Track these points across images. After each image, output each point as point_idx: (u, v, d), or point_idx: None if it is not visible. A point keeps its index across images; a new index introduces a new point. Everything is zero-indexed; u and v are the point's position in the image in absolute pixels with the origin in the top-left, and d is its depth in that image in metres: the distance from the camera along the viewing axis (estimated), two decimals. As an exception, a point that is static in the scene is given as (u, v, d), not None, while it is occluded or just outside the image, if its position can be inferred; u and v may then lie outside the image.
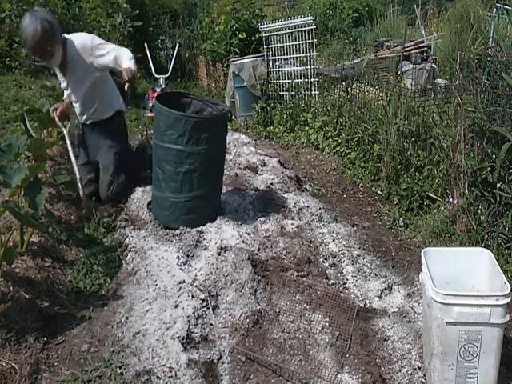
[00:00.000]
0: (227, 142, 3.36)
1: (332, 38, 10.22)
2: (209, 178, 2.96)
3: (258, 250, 2.86)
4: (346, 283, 2.76)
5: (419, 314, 2.49)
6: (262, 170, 4.11)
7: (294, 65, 6.42)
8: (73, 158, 3.30)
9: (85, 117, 3.50)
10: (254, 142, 5.35)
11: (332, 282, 2.74)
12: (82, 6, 7.76)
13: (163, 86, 5.88)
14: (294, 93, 6.25)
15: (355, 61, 6.58)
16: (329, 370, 2.14)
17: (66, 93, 3.57)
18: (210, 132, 2.84)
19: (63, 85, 3.50)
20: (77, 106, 3.50)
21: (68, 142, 3.37)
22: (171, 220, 2.95)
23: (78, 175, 3.25)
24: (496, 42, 3.26)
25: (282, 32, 6.37)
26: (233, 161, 4.35)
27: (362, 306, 2.58)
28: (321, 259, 2.90)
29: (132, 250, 2.84)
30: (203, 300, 2.37)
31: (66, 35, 3.26)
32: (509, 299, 1.88)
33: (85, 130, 3.59)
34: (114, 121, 3.49)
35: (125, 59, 3.17)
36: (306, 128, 5.56)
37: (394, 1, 11.67)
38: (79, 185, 3.24)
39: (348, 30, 12.05)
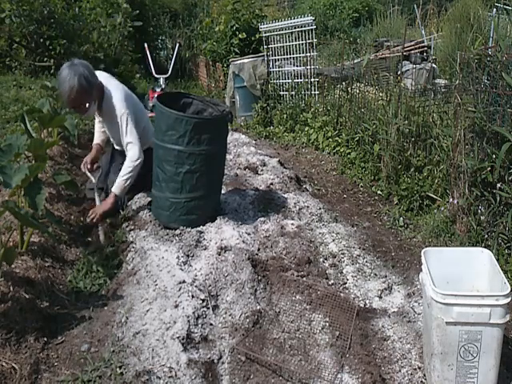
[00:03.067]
0: (227, 142, 3.35)
1: (332, 38, 10.22)
2: (209, 179, 2.96)
3: (258, 249, 2.86)
4: (345, 283, 2.76)
5: (419, 314, 2.49)
6: (261, 170, 4.11)
7: (294, 65, 6.43)
8: (97, 199, 3.22)
9: (117, 147, 3.51)
10: (253, 142, 5.35)
11: (332, 282, 2.74)
12: (81, 6, 7.76)
13: (163, 86, 5.89)
14: (294, 93, 6.25)
15: (355, 61, 6.57)
16: (329, 369, 2.14)
17: (97, 129, 3.57)
18: (210, 133, 2.84)
19: (98, 120, 3.52)
20: (110, 138, 3.51)
21: (96, 194, 3.26)
22: (171, 220, 2.95)
23: (94, 180, 3.24)
24: (496, 42, 3.26)
25: (282, 32, 6.38)
26: (233, 161, 4.35)
27: (362, 306, 2.58)
28: (321, 259, 2.90)
29: (132, 249, 2.84)
30: (203, 300, 2.37)
31: (103, 83, 3.18)
32: (509, 299, 1.88)
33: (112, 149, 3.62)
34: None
35: (122, 169, 3.14)
36: (306, 128, 5.56)
37: (394, 1, 11.67)
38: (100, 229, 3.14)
39: (348, 30, 12.06)
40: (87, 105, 3.09)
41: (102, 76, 3.26)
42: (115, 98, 3.15)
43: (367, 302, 2.63)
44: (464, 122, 3.23)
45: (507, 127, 2.86)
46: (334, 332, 2.33)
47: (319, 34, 9.94)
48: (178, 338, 2.12)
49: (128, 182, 3.14)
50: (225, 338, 2.26)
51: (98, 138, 3.61)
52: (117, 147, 3.50)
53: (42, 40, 6.77)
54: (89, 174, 3.40)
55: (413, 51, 7.62)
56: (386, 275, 2.83)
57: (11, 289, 2.23)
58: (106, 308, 2.41)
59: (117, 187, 3.14)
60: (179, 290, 2.38)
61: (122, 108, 3.14)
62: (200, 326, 2.26)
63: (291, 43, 6.30)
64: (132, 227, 3.13)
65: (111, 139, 3.51)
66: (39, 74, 6.74)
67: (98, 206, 3.17)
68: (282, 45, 6.42)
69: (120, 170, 3.26)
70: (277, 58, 6.52)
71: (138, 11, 8.32)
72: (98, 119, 3.52)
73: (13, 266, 2.37)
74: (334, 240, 3.07)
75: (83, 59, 3.28)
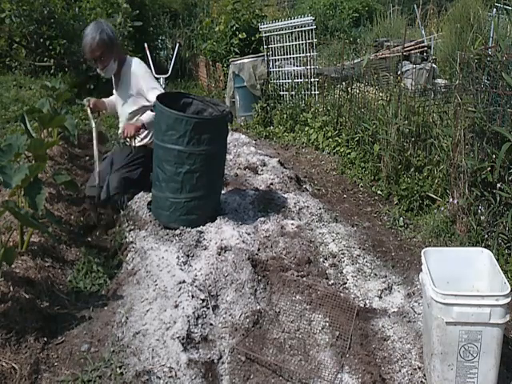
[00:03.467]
0: (227, 142, 3.35)
1: (332, 38, 10.21)
2: (209, 179, 2.96)
3: (258, 249, 2.86)
4: (346, 283, 2.76)
5: (419, 314, 2.49)
6: (261, 170, 4.11)
7: (294, 65, 6.42)
8: (96, 153, 3.32)
9: (120, 126, 3.60)
10: (253, 142, 5.35)
11: (332, 281, 2.74)
12: (81, 6, 7.75)
13: (163, 86, 5.87)
14: (294, 93, 6.25)
15: (355, 61, 6.57)
16: (329, 369, 2.14)
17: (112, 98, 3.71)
18: (210, 133, 2.84)
19: (114, 95, 3.65)
20: (120, 121, 3.63)
21: (94, 135, 3.42)
22: (171, 220, 2.95)
23: (97, 169, 3.29)
24: (496, 42, 3.26)
25: (282, 32, 6.37)
26: (233, 161, 4.35)
27: (362, 306, 2.58)
28: (321, 259, 2.90)
29: (132, 250, 2.84)
30: (203, 300, 2.37)
31: (127, 57, 3.47)
32: (509, 299, 1.88)
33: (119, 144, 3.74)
34: (141, 149, 3.47)
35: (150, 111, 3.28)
36: (306, 128, 5.56)
37: (394, 1, 11.67)
38: (96, 177, 3.28)
39: (348, 30, 12.05)
40: (107, 60, 3.29)
41: (141, 65, 3.46)
42: (137, 64, 3.39)
43: (367, 301, 2.63)
44: (464, 121, 3.23)
45: (507, 127, 2.86)
46: (333, 332, 2.33)
47: (319, 34, 9.94)
48: (178, 338, 2.12)
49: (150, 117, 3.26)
50: (225, 338, 2.26)
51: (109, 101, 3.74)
52: (120, 127, 3.56)
53: (42, 40, 6.78)
54: (90, 115, 3.50)
55: (413, 51, 7.62)
56: (386, 275, 2.83)
57: (11, 289, 2.24)
58: (105, 308, 2.41)
59: (146, 117, 3.30)
60: (179, 290, 2.38)
61: (143, 72, 3.38)
62: (200, 326, 2.26)
63: (291, 43, 6.30)
64: (132, 227, 3.13)
65: (120, 114, 3.60)
66: (39, 73, 6.75)
67: (127, 125, 3.31)
68: (282, 45, 6.42)
69: (119, 167, 3.37)
70: (277, 58, 6.52)
71: (137, 11, 8.31)
72: (114, 95, 3.64)
73: (13, 266, 2.37)
74: (333, 240, 3.07)
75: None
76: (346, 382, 2.09)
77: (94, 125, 3.45)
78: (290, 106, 6.10)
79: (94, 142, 3.39)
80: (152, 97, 3.22)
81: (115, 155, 3.55)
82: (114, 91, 3.61)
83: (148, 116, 3.30)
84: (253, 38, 7.59)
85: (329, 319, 2.40)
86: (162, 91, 3.34)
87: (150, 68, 6.34)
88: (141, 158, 3.44)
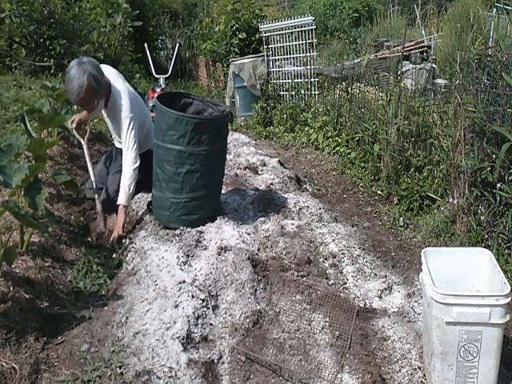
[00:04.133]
0: (227, 142, 3.35)
1: (332, 38, 10.22)
2: (209, 179, 2.96)
3: (258, 249, 2.86)
4: (346, 283, 2.76)
5: (419, 314, 2.49)
6: (261, 170, 4.11)
7: (294, 65, 6.43)
8: (90, 170, 3.29)
9: (117, 144, 3.54)
10: (253, 142, 5.35)
11: (332, 281, 2.74)
12: (81, 6, 7.75)
13: (163, 86, 5.87)
14: (293, 93, 6.25)
15: (355, 61, 6.58)
16: (329, 369, 2.14)
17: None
18: (211, 133, 2.84)
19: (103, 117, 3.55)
20: (112, 133, 3.56)
21: (86, 152, 3.40)
22: (171, 220, 2.95)
23: (94, 185, 3.26)
24: (496, 42, 3.27)
25: (282, 32, 6.37)
26: (233, 161, 4.35)
27: (362, 306, 2.58)
28: (321, 259, 2.90)
29: (132, 250, 2.84)
30: (203, 300, 2.37)
31: (111, 81, 3.18)
32: (509, 299, 1.88)
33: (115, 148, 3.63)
34: (144, 154, 3.36)
35: (123, 177, 3.14)
36: (306, 128, 5.56)
37: (394, 1, 11.67)
38: (96, 197, 3.24)
39: (348, 30, 12.05)
40: (94, 104, 3.10)
41: (112, 73, 3.26)
42: (122, 100, 3.16)
43: (367, 301, 2.63)
44: (464, 121, 3.23)
45: (507, 127, 2.86)
46: (334, 332, 2.33)
47: (319, 34, 9.94)
48: (177, 338, 2.12)
49: (131, 188, 3.13)
50: (225, 338, 2.26)
51: None
52: (117, 144, 3.51)
53: (42, 40, 6.77)
54: (77, 136, 3.47)
55: (413, 51, 7.63)
56: (386, 275, 2.83)
57: (11, 289, 2.23)
58: (105, 308, 2.41)
59: (122, 197, 3.12)
60: (179, 290, 2.38)
61: (126, 111, 3.13)
62: (200, 326, 2.26)
63: (291, 43, 6.30)
64: (132, 227, 3.13)
65: (113, 134, 3.53)
66: (39, 73, 6.74)
67: (113, 225, 3.16)
68: (282, 45, 6.42)
69: (118, 170, 3.28)
70: (277, 57, 6.52)
71: (137, 11, 8.31)
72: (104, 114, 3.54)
73: (13, 266, 2.37)
74: (333, 240, 3.07)
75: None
76: (346, 382, 2.09)
77: (83, 142, 3.44)
78: (290, 105, 6.10)
79: (87, 159, 3.38)
80: (125, 140, 3.12)
81: (113, 161, 3.52)
82: (103, 112, 3.44)
83: (123, 194, 3.12)
84: (253, 38, 7.59)
85: (329, 319, 2.40)
86: (134, 152, 3.14)
87: (149, 68, 6.37)
88: (143, 161, 3.43)
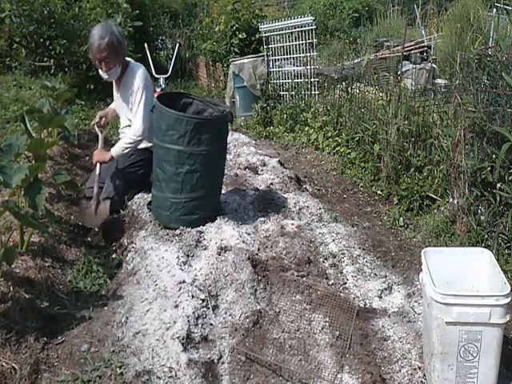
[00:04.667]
0: (227, 142, 3.35)
1: (332, 38, 10.21)
2: (209, 179, 2.96)
3: (258, 249, 2.86)
4: (346, 283, 2.76)
5: (419, 314, 2.49)
6: (261, 170, 4.11)
7: (294, 65, 6.42)
8: (97, 171, 3.30)
9: (123, 125, 3.60)
10: (253, 142, 5.34)
11: (332, 282, 2.74)
12: (81, 6, 7.75)
13: (163, 86, 5.87)
14: (294, 93, 6.24)
15: (355, 61, 6.58)
16: (329, 369, 2.14)
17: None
18: (211, 133, 2.84)
19: (115, 98, 3.62)
20: (120, 122, 3.65)
21: (101, 142, 3.46)
22: (171, 220, 2.95)
23: (96, 189, 3.25)
24: (496, 42, 3.27)
25: (282, 32, 6.37)
26: (233, 161, 4.35)
27: (362, 306, 2.58)
28: (321, 259, 2.90)
29: (132, 250, 2.84)
30: (203, 300, 2.37)
31: (130, 60, 3.40)
32: (509, 299, 1.88)
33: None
34: (133, 155, 3.44)
35: (125, 138, 3.28)
36: (306, 128, 5.56)
37: (394, 1, 11.67)
38: (94, 202, 3.23)
39: (348, 30, 12.04)
40: (112, 63, 3.22)
41: (145, 74, 3.40)
42: (139, 73, 3.32)
43: (367, 301, 2.63)
44: (464, 122, 3.23)
45: (507, 127, 2.86)
46: (334, 332, 2.33)
47: (319, 34, 9.93)
48: (177, 338, 2.12)
49: (127, 150, 3.29)
50: (225, 337, 2.26)
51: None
52: (123, 125, 3.57)
53: (42, 40, 6.77)
54: (97, 130, 3.55)
55: (413, 51, 7.62)
56: (386, 275, 2.83)
57: (11, 289, 2.24)
58: (105, 308, 2.41)
59: (116, 149, 3.28)
60: (179, 290, 2.38)
61: (141, 83, 3.28)
62: (200, 326, 2.26)
63: (291, 43, 6.29)
64: (132, 227, 3.13)
65: (120, 116, 3.60)
66: (39, 73, 6.75)
67: (99, 152, 3.31)
68: (282, 45, 6.42)
69: (123, 168, 3.36)
70: (277, 57, 6.52)
71: (137, 11, 8.30)
72: (115, 98, 3.62)
73: (13, 266, 2.37)
74: (333, 240, 3.07)
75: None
76: (346, 382, 2.09)
77: (100, 135, 3.52)
78: (290, 105, 6.10)
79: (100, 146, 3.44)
80: (136, 115, 3.25)
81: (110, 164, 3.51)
82: (115, 93, 3.57)
83: (118, 148, 3.27)
84: (253, 38, 7.59)
85: (329, 319, 2.40)
86: (141, 122, 3.26)
87: (149, 68, 6.37)
88: (143, 160, 3.43)
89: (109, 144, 4.90)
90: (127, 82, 3.35)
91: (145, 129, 3.24)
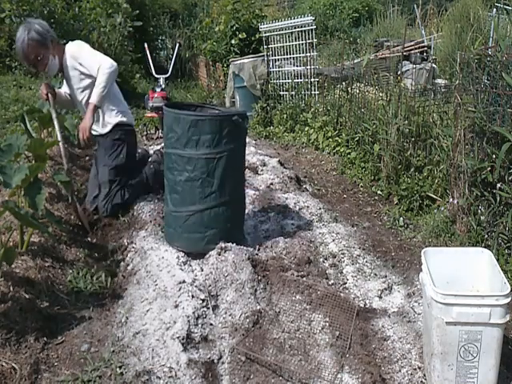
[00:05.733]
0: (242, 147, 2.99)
1: (332, 38, 10.22)
2: (215, 189, 2.66)
3: (258, 250, 2.86)
4: (346, 283, 2.76)
5: (419, 314, 2.49)
6: (262, 170, 4.11)
7: (294, 65, 6.43)
8: (56, 125, 3.10)
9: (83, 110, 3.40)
10: (254, 142, 5.35)
11: (332, 282, 2.74)
12: (81, 6, 7.76)
13: (163, 86, 5.87)
14: (293, 93, 6.25)
15: (355, 61, 6.58)
16: (329, 369, 2.14)
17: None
18: (211, 134, 2.61)
19: (64, 89, 3.47)
20: (77, 101, 3.43)
21: (53, 111, 3.16)
22: (173, 239, 2.76)
23: (62, 152, 3.08)
24: (496, 42, 3.26)
25: (282, 32, 6.37)
26: (233, 161, 4.34)
27: (362, 306, 2.58)
28: (321, 259, 2.90)
29: (132, 250, 2.84)
30: (203, 300, 2.37)
31: (66, 43, 3.26)
32: (509, 299, 1.88)
33: (96, 142, 3.54)
34: (111, 134, 3.35)
35: (99, 77, 3.08)
36: (306, 128, 5.56)
37: (394, 1, 11.67)
38: (64, 162, 3.09)
39: (348, 30, 12.06)
40: (44, 59, 3.10)
41: (76, 43, 3.29)
42: (71, 48, 3.20)
43: (367, 301, 2.63)
44: (464, 122, 3.23)
45: (507, 127, 2.86)
46: (334, 332, 2.33)
47: (319, 34, 9.94)
48: (177, 338, 2.12)
49: (105, 90, 3.09)
50: (225, 337, 2.26)
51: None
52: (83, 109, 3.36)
53: (41, 40, 6.77)
54: (50, 102, 3.19)
55: (413, 51, 7.63)
56: (386, 275, 2.83)
57: (11, 289, 2.23)
58: (105, 308, 2.41)
59: (94, 97, 3.08)
60: (179, 289, 2.38)
61: (77, 44, 3.21)
62: (200, 326, 2.26)
63: (291, 43, 6.30)
64: (132, 227, 3.12)
65: (77, 104, 3.43)
66: (39, 73, 6.74)
67: (82, 123, 3.12)
68: (282, 45, 6.42)
69: (105, 160, 3.28)
70: (277, 57, 6.52)
71: (137, 11, 8.32)
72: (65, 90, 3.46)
73: (13, 266, 2.37)
74: (334, 240, 3.07)
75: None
76: (346, 382, 2.09)
77: (51, 101, 3.16)
78: (290, 105, 6.10)
79: (53, 115, 3.14)
80: (94, 64, 3.08)
81: (97, 156, 3.45)
82: (65, 85, 3.42)
83: (96, 93, 3.07)
84: (253, 38, 7.60)
85: (329, 319, 2.40)
86: (104, 57, 3.14)
87: (149, 68, 6.37)
88: (119, 139, 3.33)
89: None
90: (66, 64, 3.20)
91: (114, 64, 3.11)
